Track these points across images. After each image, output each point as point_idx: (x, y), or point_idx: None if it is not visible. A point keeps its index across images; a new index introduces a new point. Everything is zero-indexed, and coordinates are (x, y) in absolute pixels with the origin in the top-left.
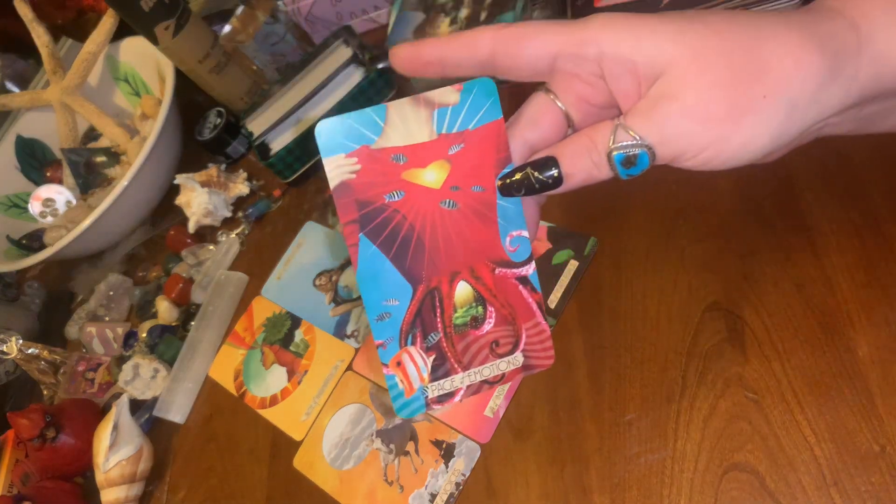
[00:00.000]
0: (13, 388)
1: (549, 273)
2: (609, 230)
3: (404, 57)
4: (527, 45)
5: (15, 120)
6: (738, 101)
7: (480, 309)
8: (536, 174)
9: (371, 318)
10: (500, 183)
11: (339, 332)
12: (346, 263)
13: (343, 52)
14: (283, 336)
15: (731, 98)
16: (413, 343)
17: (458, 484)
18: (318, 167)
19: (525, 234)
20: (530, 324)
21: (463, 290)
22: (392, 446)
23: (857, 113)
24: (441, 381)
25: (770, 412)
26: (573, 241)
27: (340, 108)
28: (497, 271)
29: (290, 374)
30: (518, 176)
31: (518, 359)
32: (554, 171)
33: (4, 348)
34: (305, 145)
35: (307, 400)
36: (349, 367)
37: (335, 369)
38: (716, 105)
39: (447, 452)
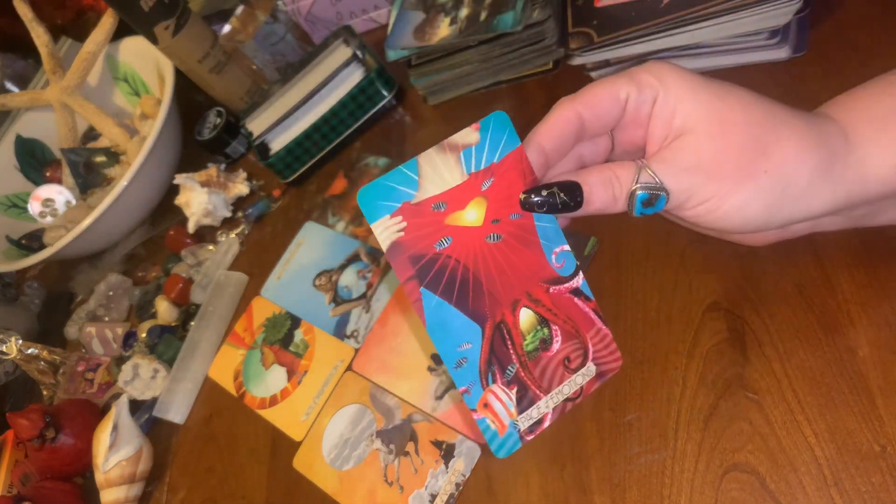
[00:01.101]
0: (13, 388)
1: None
2: (609, 230)
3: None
4: (604, 98)
5: (14, 120)
6: (744, 168)
7: (546, 330)
8: (562, 195)
9: (449, 368)
10: (523, 197)
11: (339, 332)
12: (346, 263)
13: (343, 52)
14: (282, 336)
15: (739, 164)
16: (494, 381)
17: (458, 484)
18: (318, 167)
19: (566, 248)
20: (592, 332)
21: (526, 317)
22: (392, 447)
23: (848, 213)
24: (528, 411)
25: (770, 412)
26: (573, 241)
27: (341, 107)
28: (551, 290)
29: (290, 374)
30: (545, 193)
31: (591, 369)
32: (578, 197)
33: (4, 348)
34: (305, 145)
35: (307, 400)
36: (349, 368)
37: (335, 369)
38: (725, 164)
39: (447, 453)
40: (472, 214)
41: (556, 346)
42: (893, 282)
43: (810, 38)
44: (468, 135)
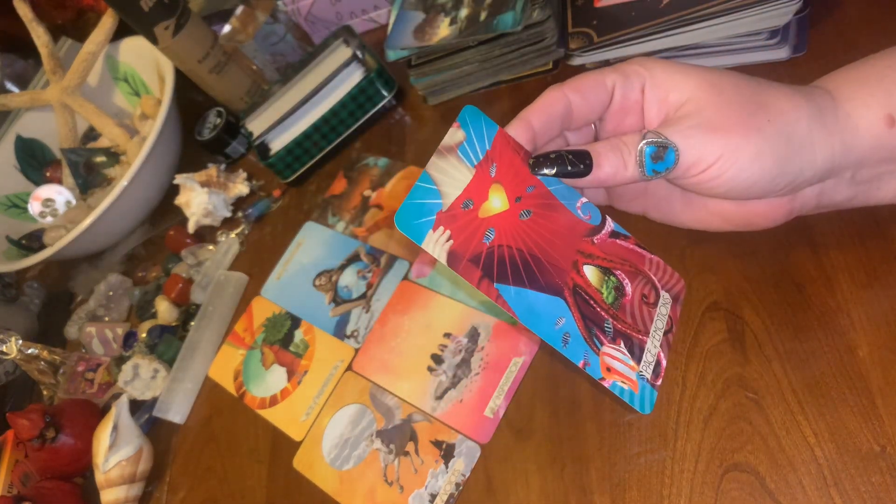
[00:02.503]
0: (13, 388)
1: None
2: None
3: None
4: (591, 85)
5: (15, 120)
6: (747, 120)
7: (613, 278)
8: (571, 157)
9: (559, 348)
10: (532, 161)
11: (339, 332)
12: (346, 263)
13: (343, 52)
14: (282, 336)
15: (742, 117)
16: (602, 344)
17: (458, 484)
18: (318, 167)
19: (585, 199)
20: (647, 264)
21: (591, 272)
22: (392, 446)
23: (852, 177)
24: (644, 358)
25: (770, 412)
26: None
27: (341, 107)
28: (595, 240)
29: (290, 374)
30: (553, 156)
31: (666, 297)
32: (588, 160)
33: (4, 348)
34: (305, 145)
35: (307, 400)
36: (349, 368)
37: (335, 369)
38: (729, 119)
39: (447, 453)
40: (497, 201)
41: (629, 289)
42: (893, 282)
43: (810, 38)
44: (454, 134)
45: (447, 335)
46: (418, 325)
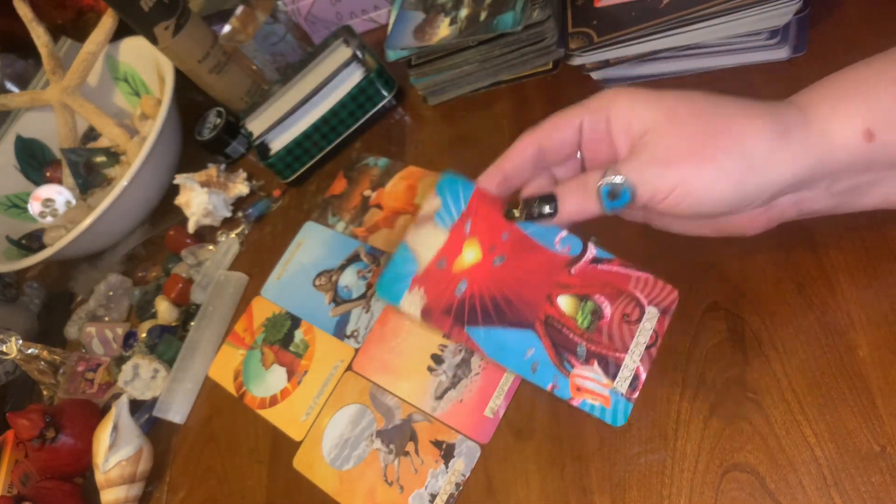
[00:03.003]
0: (13, 388)
1: None
2: (608, 229)
3: (491, 187)
4: (559, 126)
5: (14, 120)
6: (701, 150)
7: (590, 303)
8: (539, 204)
9: (527, 377)
10: (506, 210)
11: (339, 332)
12: (346, 263)
13: (343, 52)
14: (282, 336)
15: (695, 146)
16: (572, 367)
17: (458, 484)
18: (318, 167)
19: (564, 233)
20: (632, 283)
21: (565, 302)
22: (392, 446)
23: (828, 187)
24: (620, 373)
25: (770, 412)
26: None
27: (341, 107)
28: (573, 270)
29: (290, 374)
30: (522, 204)
31: (653, 312)
32: (550, 205)
33: (4, 348)
34: (305, 145)
35: (307, 400)
36: (349, 368)
37: (335, 369)
38: (680, 153)
39: (447, 453)
40: (471, 254)
41: (607, 311)
42: (893, 282)
43: (810, 38)
44: (431, 202)
45: (447, 335)
46: (418, 325)
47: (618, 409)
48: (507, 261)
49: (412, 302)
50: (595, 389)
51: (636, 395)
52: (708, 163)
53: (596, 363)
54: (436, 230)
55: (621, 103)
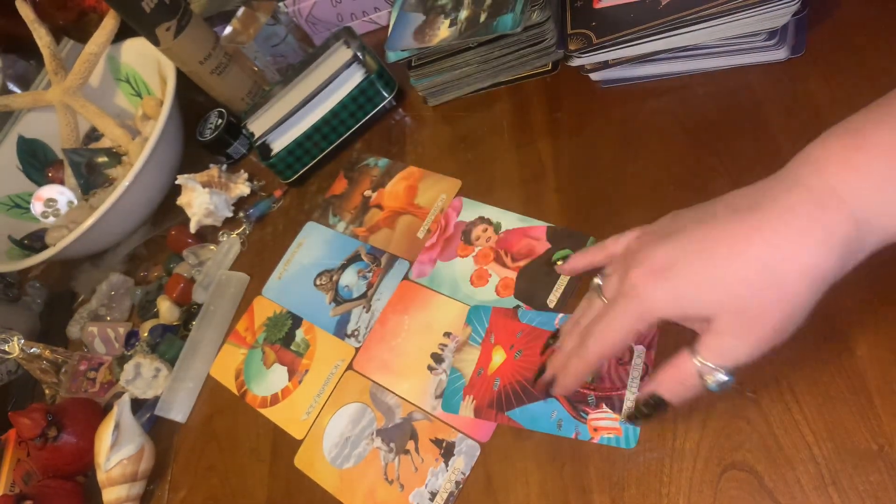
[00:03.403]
0: (15, 387)
1: (548, 272)
2: (608, 230)
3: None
4: (616, 348)
5: (17, 120)
6: (771, 334)
7: None
8: (649, 408)
9: (555, 433)
10: (623, 418)
11: (340, 331)
12: (347, 263)
13: (344, 53)
14: (283, 336)
15: (773, 337)
16: (587, 414)
17: (457, 483)
18: (319, 167)
19: (560, 315)
20: None
21: None
22: (392, 445)
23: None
24: (625, 405)
25: (769, 411)
26: (572, 241)
27: (341, 108)
28: None
29: (291, 373)
30: (635, 412)
31: (640, 350)
32: (664, 402)
33: (6, 348)
34: (306, 146)
35: (308, 399)
36: (349, 367)
37: (336, 369)
38: (752, 323)
39: (447, 451)
40: (498, 357)
41: (604, 362)
42: (892, 282)
43: (808, 38)
44: (464, 331)
45: (447, 334)
46: (418, 325)
47: (629, 435)
48: (524, 353)
49: (466, 407)
50: (608, 426)
51: (641, 421)
52: (778, 336)
53: (604, 405)
54: (471, 349)
55: (663, 304)
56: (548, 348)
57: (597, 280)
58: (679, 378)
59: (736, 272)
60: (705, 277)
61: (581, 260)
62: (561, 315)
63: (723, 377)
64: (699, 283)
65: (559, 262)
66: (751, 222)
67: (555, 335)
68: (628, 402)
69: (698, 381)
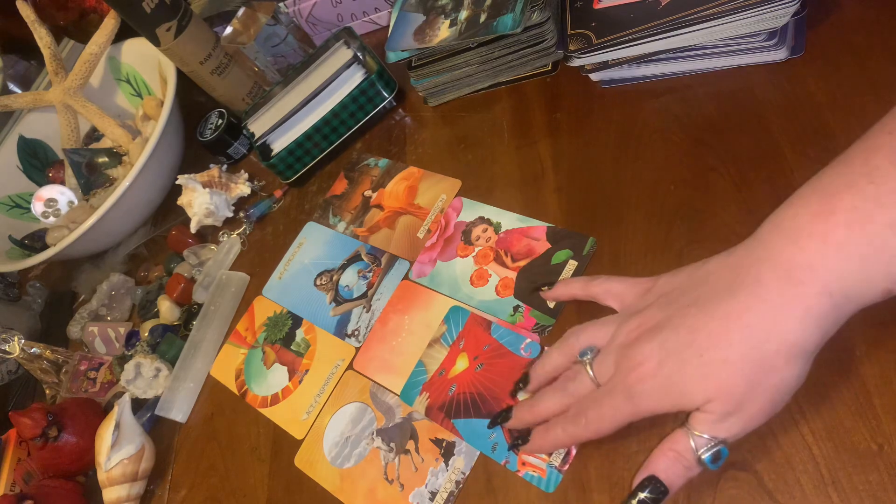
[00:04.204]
0: (15, 387)
1: (548, 273)
2: (608, 230)
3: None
4: (614, 426)
5: (17, 121)
6: (757, 388)
7: None
8: (647, 494)
9: (489, 454)
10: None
11: (340, 331)
12: (347, 263)
13: (344, 54)
14: (284, 335)
15: (751, 388)
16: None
17: (458, 482)
18: (319, 168)
19: (528, 340)
20: None
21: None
22: (392, 445)
23: None
24: (556, 451)
25: None
26: (572, 241)
27: (342, 108)
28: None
29: (291, 373)
30: (635, 501)
31: None
32: (662, 488)
33: (7, 348)
34: (306, 146)
35: (308, 399)
36: (350, 367)
37: (336, 368)
38: (743, 397)
39: (447, 451)
40: (462, 364)
41: None
42: None
43: (808, 39)
44: (439, 329)
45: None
46: (419, 325)
47: (550, 480)
48: (485, 367)
49: (421, 403)
50: (535, 463)
51: (566, 467)
52: (775, 409)
53: None
54: (441, 348)
55: (655, 402)
56: (517, 391)
57: (587, 357)
58: (674, 456)
59: (723, 360)
60: (693, 370)
61: (564, 292)
62: (528, 340)
63: (718, 448)
64: (688, 377)
65: (545, 289)
66: (728, 308)
67: (524, 379)
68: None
69: (694, 457)
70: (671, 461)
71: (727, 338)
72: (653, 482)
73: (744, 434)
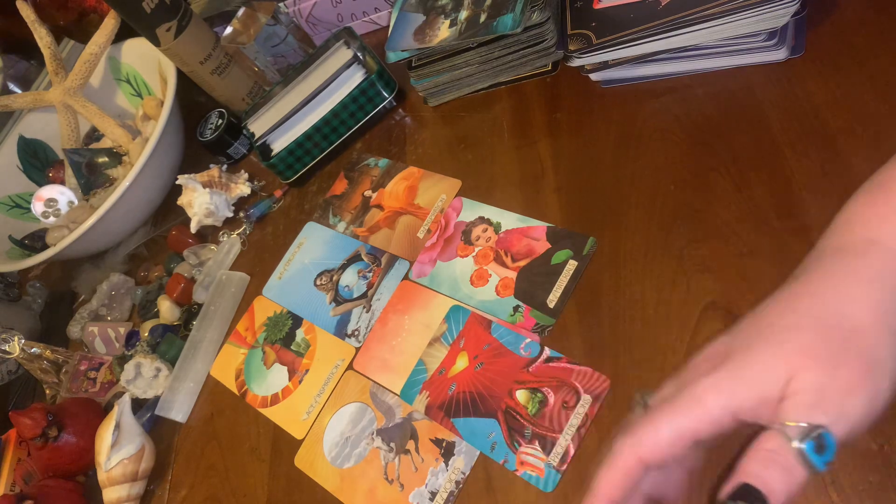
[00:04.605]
0: (15, 387)
1: (548, 273)
2: (608, 230)
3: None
4: (673, 446)
5: (17, 121)
6: (851, 363)
7: (540, 394)
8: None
9: (487, 452)
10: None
11: (340, 331)
12: (347, 263)
13: (344, 54)
14: (284, 335)
15: (843, 364)
16: (520, 445)
17: (458, 482)
18: (319, 168)
19: (528, 341)
20: (574, 376)
21: (521, 394)
22: (392, 445)
23: None
24: (554, 450)
25: None
26: (572, 241)
27: (342, 108)
28: (531, 369)
29: (291, 373)
30: None
31: (587, 399)
32: (757, 494)
33: (7, 348)
34: (306, 146)
35: (308, 399)
36: (350, 367)
37: (336, 368)
38: (840, 374)
39: (447, 451)
40: (462, 363)
41: (552, 399)
42: None
43: (808, 39)
44: (440, 327)
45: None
46: (419, 325)
47: (549, 479)
48: (485, 366)
49: (421, 402)
50: (534, 463)
51: (564, 467)
52: (867, 360)
53: (538, 442)
54: (441, 347)
55: (732, 394)
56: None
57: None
58: (766, 455)
59: (795, 326)
60: (763, 343)
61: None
62: (528, 339)
63: (819, 433)
64: (758, 352)
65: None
66: (790, 290)
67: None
68: (559, 448)
69: (791, 453)
70: (763, 463)
71: (794, 308)
72: (746, 491)
73: (851, 416)
